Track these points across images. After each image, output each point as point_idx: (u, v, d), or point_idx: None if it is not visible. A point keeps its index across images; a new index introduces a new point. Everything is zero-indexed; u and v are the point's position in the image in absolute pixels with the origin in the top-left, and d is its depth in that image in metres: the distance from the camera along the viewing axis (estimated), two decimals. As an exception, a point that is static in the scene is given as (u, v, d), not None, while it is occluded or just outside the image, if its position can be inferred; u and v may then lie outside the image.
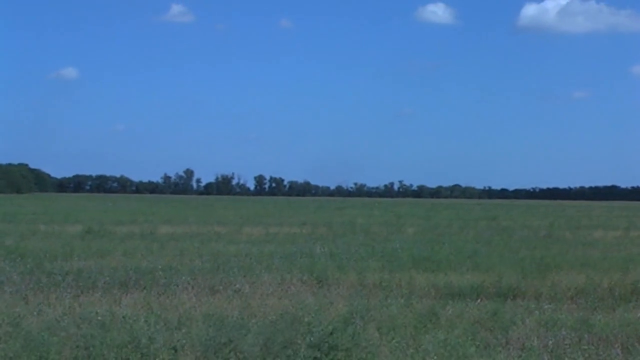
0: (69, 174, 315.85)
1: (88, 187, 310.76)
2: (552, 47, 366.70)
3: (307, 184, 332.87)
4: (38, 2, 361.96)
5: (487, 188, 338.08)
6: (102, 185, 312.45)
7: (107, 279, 21.12)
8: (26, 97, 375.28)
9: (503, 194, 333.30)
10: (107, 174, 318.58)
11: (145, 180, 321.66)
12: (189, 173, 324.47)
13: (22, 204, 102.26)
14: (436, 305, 17.45)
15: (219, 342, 13.12)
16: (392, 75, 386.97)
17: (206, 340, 13.28)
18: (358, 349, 12.99)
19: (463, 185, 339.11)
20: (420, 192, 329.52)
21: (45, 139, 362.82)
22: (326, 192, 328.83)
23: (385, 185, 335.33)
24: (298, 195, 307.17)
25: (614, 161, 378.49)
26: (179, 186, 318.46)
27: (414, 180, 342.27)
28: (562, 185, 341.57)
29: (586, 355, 13.49)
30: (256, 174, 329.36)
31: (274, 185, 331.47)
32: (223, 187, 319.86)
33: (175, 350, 12.91)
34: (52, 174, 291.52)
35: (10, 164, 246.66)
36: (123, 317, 14.86)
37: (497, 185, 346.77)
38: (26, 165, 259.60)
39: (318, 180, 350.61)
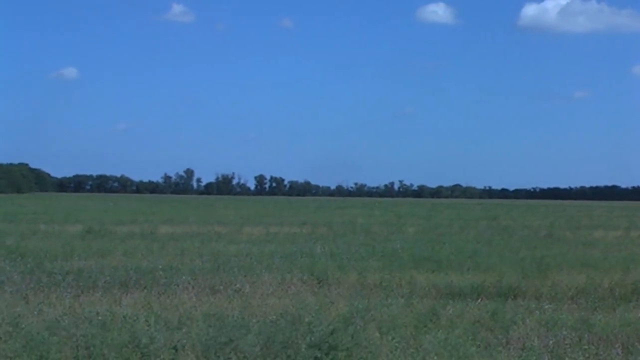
0: (69, 173, 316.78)
1: (88, 187, 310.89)
2: (552, 47, 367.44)
3: (308, 183, 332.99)
4: (38, 2, 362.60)
5: (487, 188, 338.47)
6: (102, 185, 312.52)
7: (107, 278, 21.11)
8: (26, 97, 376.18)
9: (503, 193, 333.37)
10: (108, 173, 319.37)
11: (145, 180, 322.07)
12: (190, 173, 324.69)
13: (22, 204, 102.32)
14: (437, 305, 17.44)
15: (219, 342, 13.11)
16: (392, 75, 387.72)
17: (206, 339, 13.27)
18: (358, 348, 12.99)
19: (463, 185, 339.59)
20: (421, 192, 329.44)
21: (45, 139, 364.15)
22: (326, 192, 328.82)
23: (386, 185, 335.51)
24: (298, 195, 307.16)
25: (615, 161, 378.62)
26: (180, 186, 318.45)
27: (414, 180, 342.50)
28: (563, 185, 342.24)
29: (587, 355, 13.49)
30: (256, 174, 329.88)
31: (274, 185, 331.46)
32: (223, 187, 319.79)
33: (176, 350, 12.91)
34: (53, 174, 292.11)
35: (10, 164, 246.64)
36: (123, 316, 14.87)
37: (497, 185, 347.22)
38: (26, 165, 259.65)
39: (318, 180, 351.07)
